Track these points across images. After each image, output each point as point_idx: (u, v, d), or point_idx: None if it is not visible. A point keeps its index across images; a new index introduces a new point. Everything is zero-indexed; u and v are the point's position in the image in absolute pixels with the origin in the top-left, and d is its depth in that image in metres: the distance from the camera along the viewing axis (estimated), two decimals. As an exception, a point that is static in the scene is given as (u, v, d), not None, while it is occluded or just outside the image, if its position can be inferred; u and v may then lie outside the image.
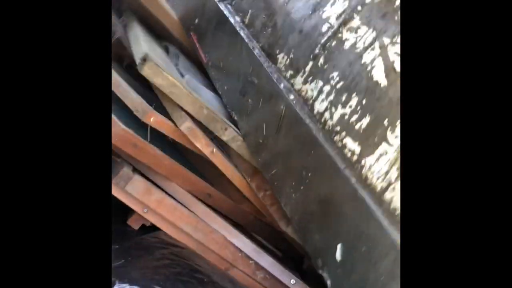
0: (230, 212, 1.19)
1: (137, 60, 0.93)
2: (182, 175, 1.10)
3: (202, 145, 1.02)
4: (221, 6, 1.27)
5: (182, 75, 1.34)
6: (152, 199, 1.06)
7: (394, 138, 0.71)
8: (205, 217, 1.11)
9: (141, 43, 1.12)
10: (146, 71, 0.91)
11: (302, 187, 0.87)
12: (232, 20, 1.19)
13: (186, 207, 1.09)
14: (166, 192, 1.09)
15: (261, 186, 1.09)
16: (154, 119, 0.95)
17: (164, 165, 1.07)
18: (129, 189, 1.03)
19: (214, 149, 1.03)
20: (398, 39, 0.76)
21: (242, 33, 1.13)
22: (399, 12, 0.78)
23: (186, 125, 0.96)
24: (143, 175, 1.08)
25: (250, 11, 1.15)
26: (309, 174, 0.85)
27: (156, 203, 1.07)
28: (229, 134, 1.05)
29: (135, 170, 1.06)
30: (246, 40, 1.11)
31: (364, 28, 0.83)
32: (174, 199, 1.09)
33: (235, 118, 1.16)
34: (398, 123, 0.71)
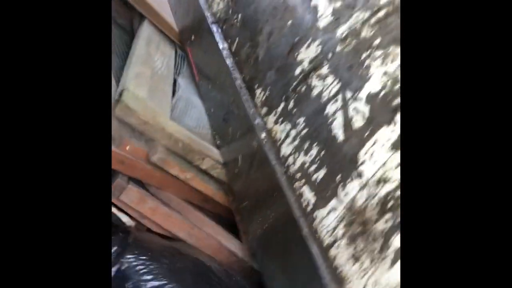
0: (230, 214, 1.23)
1: (116, 95, 0.97)
2: (175, 185, 1.13)
3: (177, 172, 1.06)
4: (213, 28, 1.29)
5: (174, 91, 1.38)
6: (146, 207, 1.11)
7: (344, 195, 0.73)
8: (199, 223, 1.15)
9: (129, 69, 1.16)
10: (118, 113, 0.94)
11: (265, 226, 0.90)
12: (220, 46, 1.21)
13: (180, 214, 1.14)
14: (161, 199, 1.13)
15: (238, 209, 1.13)
16: (130, 147, 0.99)
17: (156, 177, 1.10)
18: (123, 199, 1.07)
19: (188, 175, 1.07)
20: (359, 95, 0.78)
21: (228, 61, 1.15)
22: (363, 66, 0.80)
23: (157, 157, 1.00)
24: (139, 181, 1.13)
25: (237, 39, 1.16)
26: (272, 215, 0.88)
27: (151, 212, 1.11)
28: (207, 163, 1.09)
29: (131, 178, 1.11)
30: (231, 69, 1.13)
31: (331, 78, 0.84)
32: (170, 205, 1.14)
33: (218, 143, 1.19)
34: (348, 181, 0.73)
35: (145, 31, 1.51)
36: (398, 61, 0.75)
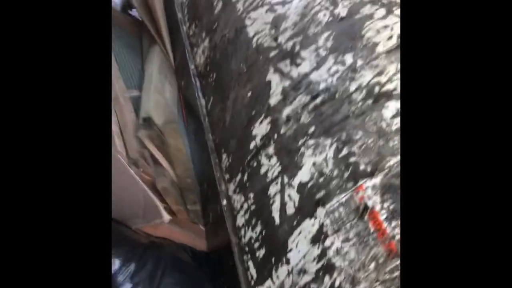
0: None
1: (140, 119, 1.11)
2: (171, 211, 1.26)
3: (171, 203, 1.18)
4: (196, 82, 1.38)
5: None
6: (148, 226, 1.24)
7: (276, 278, 0.82)
8: (202, 234, 1.28)
9: (150, 96, 1.28)
10: (142, 134, 1.08)
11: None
12: (199, 102, 1.30)
13: (181, 228, 1.27)
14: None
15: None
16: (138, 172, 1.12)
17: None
18: None
19: (178, 209, 1.19)
20: (293, 182, 0.85)
21: (204, 120, 1.25)
22: (299, 154, 0.87)
23: (161, 185, 1.12)
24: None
25: (212, 98, 1.25)
26: (227, 282, 0.98)
27: (153, 229, 1.25)
28: (194, 208, 1.21)
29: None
30: (205, 128, 1.23)
31: (275, 159, 0.92)
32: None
33: (197, 194, 1.30)
34: (280, 265, 0.82)
35: (157, 58, 1.62)
36: (325, 154, 0.82)
